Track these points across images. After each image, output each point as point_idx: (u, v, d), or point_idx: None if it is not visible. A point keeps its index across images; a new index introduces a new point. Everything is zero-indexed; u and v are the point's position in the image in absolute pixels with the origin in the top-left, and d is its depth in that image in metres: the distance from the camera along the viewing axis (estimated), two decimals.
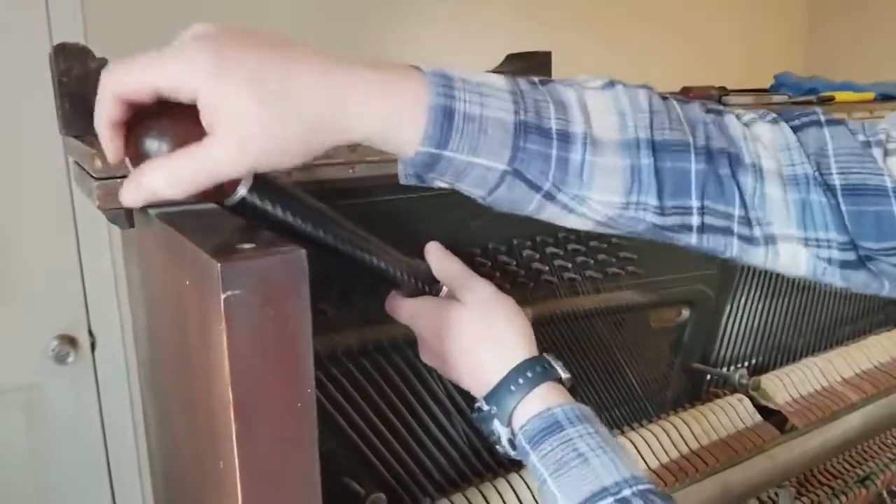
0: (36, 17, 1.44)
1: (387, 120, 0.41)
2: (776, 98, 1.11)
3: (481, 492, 0.71)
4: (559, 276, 0.79)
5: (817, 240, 0.50)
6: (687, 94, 1.01)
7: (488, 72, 0.46)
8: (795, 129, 0.51)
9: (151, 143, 0.40)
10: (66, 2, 1.46)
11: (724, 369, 0.99)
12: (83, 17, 1.48)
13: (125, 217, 0.52)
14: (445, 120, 0.42)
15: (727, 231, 0.50)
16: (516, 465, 0.74)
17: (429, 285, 0.59)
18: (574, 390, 0.54)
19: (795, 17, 2.90)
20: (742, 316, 1.02)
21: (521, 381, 0.52)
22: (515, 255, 0.76)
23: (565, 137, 0.45)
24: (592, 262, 0.82)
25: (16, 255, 1.49)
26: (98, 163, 0.48)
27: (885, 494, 1.10)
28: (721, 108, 0.53)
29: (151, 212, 0.49)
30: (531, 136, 0.44)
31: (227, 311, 0.37)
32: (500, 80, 0.45)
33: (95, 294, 1.59)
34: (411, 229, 0.65)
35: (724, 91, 1.06)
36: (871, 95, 1.10)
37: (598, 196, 0.46)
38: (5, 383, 1.52)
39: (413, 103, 0.41)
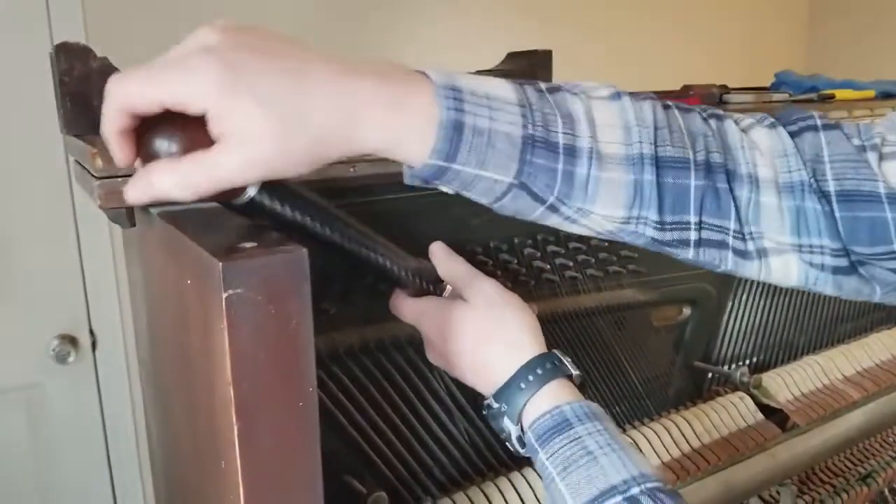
0: (36, 16, 1.44)
1: (396, 133, 0.41)
2: (777, 96, 1.11)
3: (483, 490, 0.71)
4: (561, 274, 0.79)
5: (811, 246, 0.51)
6: (688, 92, 1.01)
7: (489, 71, 0.46)
8: (793, 135, 0.52)
9: (161, 143, 0.40)
10: (67, 1, 1.46)
11: (726, 367, 1.00)
12: (83, 16, 1.47)
13: (126, 216, 0.52)
14: (455, 134, 0.42)
15: (722, 245, 0.51)
16: (518, 464, 0.74)
17: (433, 285, 0.59)
18: (584, 387, 0.53)
19: (796, 15, 2.90)
20: (743, 314, 1.02)
21: (530, 378, 0.52)
22: (517, 254, 0.76)
23: (572, 152, 0.45)
24: (594, 260, 0.82)
25: (16, 254, 1.49)
26: (99, 162, 0.48)
27: (886, 492, 1.10)
28: (721, 112, 0.53)
29: (153, 211, 0.49)
30: (538, 151, 0.44)
31: (228, 310, 0.37)
32: (508, 91, 0.44)
33: (96, 293, 1.59)
34: (412, 228, 0.64)
35: (725, 89, 1.05)
36: (871, 93, 1.10)
37: (601, 210, 0.47)
38: (6, 383, 1.52)
39: (423, 117, 0.41)
